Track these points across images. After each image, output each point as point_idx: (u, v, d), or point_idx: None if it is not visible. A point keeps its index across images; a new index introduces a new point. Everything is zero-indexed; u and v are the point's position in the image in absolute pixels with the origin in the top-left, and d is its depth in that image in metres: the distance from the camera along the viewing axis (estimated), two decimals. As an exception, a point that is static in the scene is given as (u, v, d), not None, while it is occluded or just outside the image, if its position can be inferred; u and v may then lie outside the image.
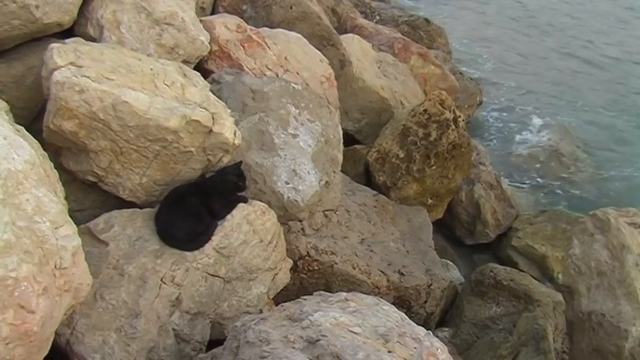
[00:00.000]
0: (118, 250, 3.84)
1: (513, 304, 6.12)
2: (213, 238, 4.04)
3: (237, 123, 4.40)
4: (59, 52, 3.74)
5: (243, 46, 5.58)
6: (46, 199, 2.96)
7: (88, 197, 4.22)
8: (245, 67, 5.44)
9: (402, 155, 6.67)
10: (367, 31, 8.96)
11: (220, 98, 4.44)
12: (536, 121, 11.57)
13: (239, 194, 4.26)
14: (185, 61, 4.91)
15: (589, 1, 18.15)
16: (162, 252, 3.90)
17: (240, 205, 4.23)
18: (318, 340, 2.95)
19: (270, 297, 4.48)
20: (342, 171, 5.37)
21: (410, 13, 11.74)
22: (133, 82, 3.87)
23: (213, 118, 4.06)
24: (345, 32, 8.23)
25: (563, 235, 7.33)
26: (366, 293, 3.95)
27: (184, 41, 4.91)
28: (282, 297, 4.51)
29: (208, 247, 4.01)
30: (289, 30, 6.30)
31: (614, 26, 16.97)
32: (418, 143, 6.66)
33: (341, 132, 5.16)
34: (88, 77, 3.68)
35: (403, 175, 6.70)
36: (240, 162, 4.35)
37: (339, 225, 5.54)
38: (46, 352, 3.01)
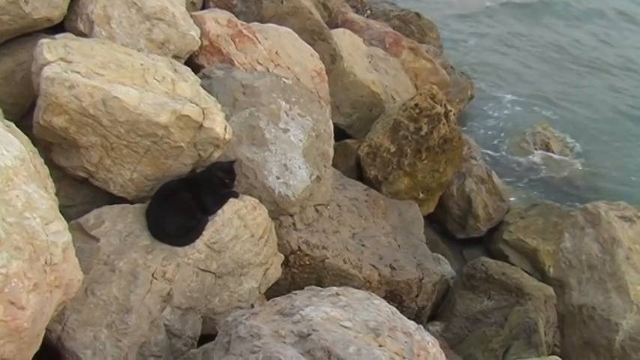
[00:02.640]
0: (108, 245, 3.84)
1: (505, 297, 6.14)
2: (204, 233, 4.05)
3: (227, 118, 4.40)
4: (49, 48, 3.74)
5: (234, 41, 5.57)
6: (36, 195, 2.95)
7: (79, 193, 4.22)
8: (236, 62, 5.44)
9: (393, 149, 6.67)
10: (358, 26, 8.95)
11: (211, 93, 4.44)
12: (528, 115, 11.59)
13: (230, 189, 4.26)
14: (176, 56, 4.90)
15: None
16: (153, 247, 3.90)
17: (231, 200, 4.24)
18: (309, 335, 2.95)
19: (262, 292, 4.49)
20: (333, 165, 5.38)
21: (401, 8, 11.72)
22: (124, 77, 3.87)
23: (203, 113, 4.06)
24: (336, 27, 8.20)
25: (554, 229, 7.36)
26: (357, 288, 3.96)
27: (175, 36, 4.90)
28: (274, 292, 4.51)
29: (199, 243, 4.01)
30: (280, 25, 6.29)
31: (612, 16, 17.00)
32: (409, 137, 6.66)
33: (332, 126, 5.17)
34: (78, 73, 3.68)
35: (394, 170, 6.70)
36: (234, 160, 4.36)
37: (330, 219, 5.54)
38: (36, 349, 3.01)
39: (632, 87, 13.34)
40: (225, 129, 4.19)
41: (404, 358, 3.03)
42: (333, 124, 5.30)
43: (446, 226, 7.95)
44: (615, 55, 14.78)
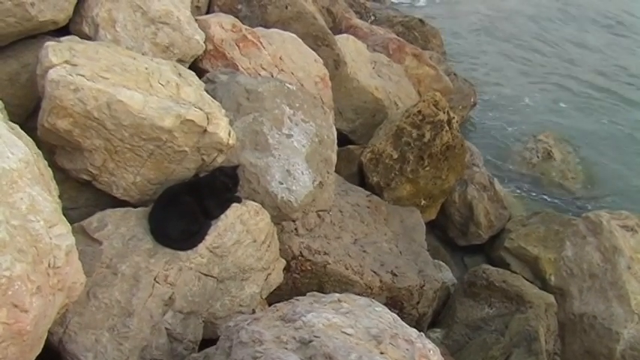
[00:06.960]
0: (111, 249, 3.84)
1: (505, 305, 6.13)
2: (207, 237, 4.05)
3: (231, 123, 4.40)
4: (54, 51, 3.74)
5: (238, 46, 5.58)
6: (40, 197, 2.95)
7: (82, 196, 4.22)
8: (240, 67, 5.44)
9: (395, 156, 6.68)
10: (362, 32, 8.96)
11: (215, 98, 4.44)
12: (531, 122, 11.57)
13: (233, 194, 4.26)
14: (180, 60, 4.91)
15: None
16: (156, 251, 3.90)
17: (234, 205, 4.24)
18: (311, 341, 2.95)
19: (263, 297, 4.49)
20: (335, 171, 5.37)
21: (405, 14, 11.73)
22: (128, 81, 3.87)
23: (207, 118, 4.06)
24: (340, 32, 8.22)
25: (555, 237, 7.35)
26: (358, 294, 3.97)
27: (179, 40, 4.91)
28: (275, 297, 4.51)
29: (202, 247, 4.01)
30: (284, 30, 6.30)
31: (615, 26, 17.02)
32: (412, 144, 6.67)
33: (335, 132, 5.17)
34: (83, 76, 3.68)
35: (397, 176, 6.71)
36: (238, 165, 4.36)
37: (332, 225, 5.54)
38: (39, 351, 3.01)
39: (637, 96, 13.33)
40: (229, 134, 4.20)
41: (405, 365, 3.03)
42: (336, 129, 5.30)
43: (447, 233, 7.94)
44: (620, 64, 14.79)
